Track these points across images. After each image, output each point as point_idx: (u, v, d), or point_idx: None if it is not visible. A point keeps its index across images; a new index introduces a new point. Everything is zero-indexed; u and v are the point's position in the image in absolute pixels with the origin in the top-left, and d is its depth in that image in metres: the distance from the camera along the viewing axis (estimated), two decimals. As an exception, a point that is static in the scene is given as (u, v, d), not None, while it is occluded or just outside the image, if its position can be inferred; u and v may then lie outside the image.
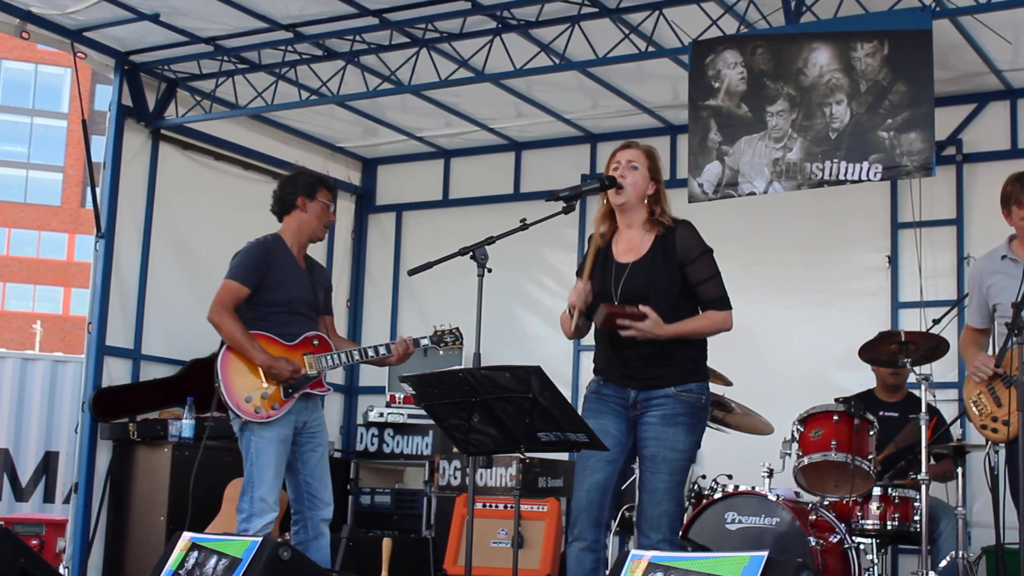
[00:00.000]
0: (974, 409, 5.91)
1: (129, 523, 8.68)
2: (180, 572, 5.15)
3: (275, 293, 6.43)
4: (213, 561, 5.05)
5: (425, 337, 6.71)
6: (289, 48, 9.14)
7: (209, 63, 9.49)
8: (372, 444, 9.90)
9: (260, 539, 4.96)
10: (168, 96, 9.72)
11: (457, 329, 6.72)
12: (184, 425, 8.69)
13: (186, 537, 5.31)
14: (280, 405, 6.38)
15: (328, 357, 6.53)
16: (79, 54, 9.13)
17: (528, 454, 5.72)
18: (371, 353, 6.60)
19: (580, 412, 5.25)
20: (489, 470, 8.16)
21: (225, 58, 9.37)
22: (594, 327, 5.38)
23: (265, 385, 6.35)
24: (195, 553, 5.19)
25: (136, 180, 9.57)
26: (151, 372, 9.49)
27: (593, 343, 5.54)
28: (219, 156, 10.25)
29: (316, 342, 6.52)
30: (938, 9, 7.47)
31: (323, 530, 6.53)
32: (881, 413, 7.59)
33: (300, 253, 6.63)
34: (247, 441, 6.36)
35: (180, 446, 8.56)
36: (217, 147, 10.20)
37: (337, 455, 10.19)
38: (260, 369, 6.34)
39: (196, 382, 9.36)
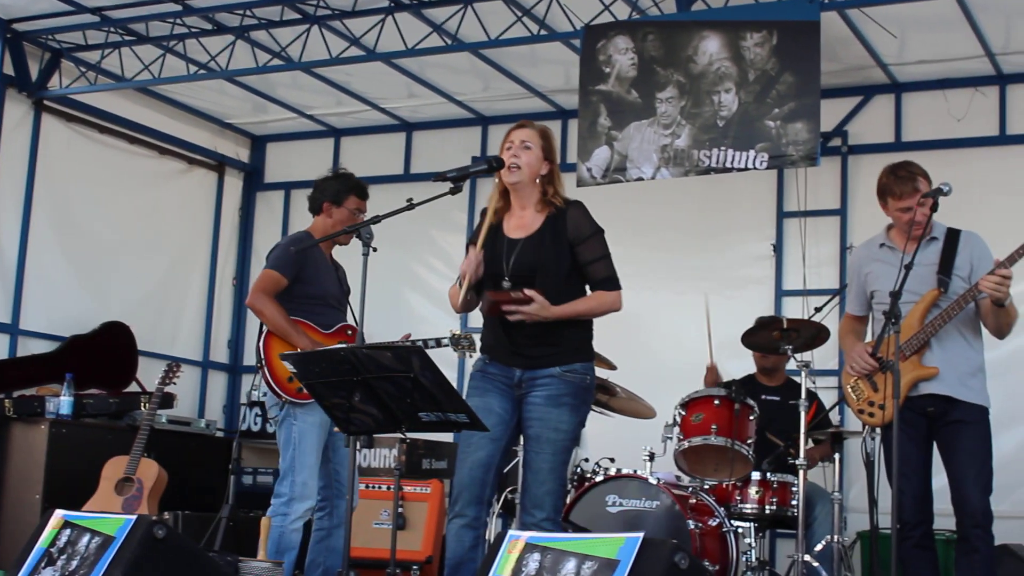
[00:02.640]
0: (852, 395, 6.00)
1: (3, 501, 8.48)
2: (51, 550, 5.05)
3: (311, 286, 6.47)
4: (86, 539, 4.96)
5: (445, 338, 6.88)
6: (177, 21, 8.99)
7: (95, 34, 9.31)
8: (255, 423, 9.81)
9: (135, 517, 4.88)
10: (52, 66, 9.52)
11: (471, 335, 6.89)
12: (62, 402, 8.53)
13: (58, 515, 5.20)
14: None
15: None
16: (-41, 20, 8.91)
17: (412, 435, 5.70)
18: None
19: (466, 391, 5.26)
20: (372, 451, 8.13)
21: (111, 29, 9.20)
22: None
23: None
24: (67, 531, 5.09)
25: (17, 152, 9.37)
26: (30, 348, 9.32)
27: (480, 325, 5.53)
28: (104, 129, 10.07)
29: (349, 331, 6.57)
30: (826, 1, 7.56)
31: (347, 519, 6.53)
32: (763, 397, 7.68)
33: (328, 251, 6.68)
34: (288, 427, 6.31)
35: (57, 423, 8.39)
36: (102, 120, 10.02)
37: (219, 434, 10.07)
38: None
39: (76, 359, 9.21)
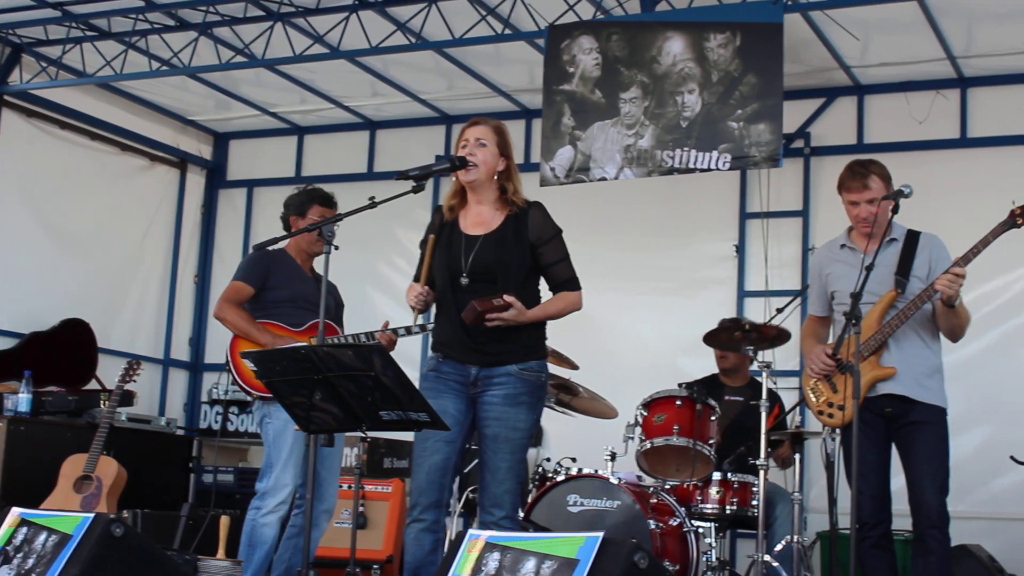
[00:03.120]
0: (811, 396, 6.03)
1: (-40, 499, 8.43)
2: (8, 548, 5.01)
3: (281, 291, 6.55)
4: (43, 537, 4.92)
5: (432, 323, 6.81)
6: (140, 16, 8.93)
7: (56, 29, 9.24)
8: (216, 422, 9.77)
9: (92, 515, 4.85)
10: (12, 61, 9.45)
11: None
12: (21, 399, 8.47)
13: (15, 512, 5.16)
14: None
15: (335, 340, 6.55)
16: (-83, 14, 8.83)
17: (373, 434, 5.67)
18: (364, 339, 6.63)
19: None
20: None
21: (73, 24, 9.13)
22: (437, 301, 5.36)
23: None
24: (24, 529, 5.05)
25: (-23, 147, 9.31)
26: (-12, 344, 9.26)
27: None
28: (65, 125, 10.01)
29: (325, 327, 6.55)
30: (790, 3, 7.60)
31: (320, 521, 6.48)
32: (727, 397, 7.70)
33: (305, 264, 6.72)
34: (265, 425, 6.38)
35: (16, 420, 8.33)
36: (64, 116, 9.96)
37: (180, 433, 10.02)
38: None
39: (35, 355, 9.14)
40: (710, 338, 7.31)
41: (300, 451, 6.28)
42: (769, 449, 6.81)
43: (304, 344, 5.84)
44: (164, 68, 9.39)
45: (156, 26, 9.03)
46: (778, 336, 7.04)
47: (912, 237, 5.94)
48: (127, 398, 8.57)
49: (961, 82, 8.93)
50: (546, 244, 5.34)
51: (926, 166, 8.66)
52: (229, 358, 6.41)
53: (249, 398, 6.46)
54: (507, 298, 5.12)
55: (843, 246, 6.06)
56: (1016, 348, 8.37)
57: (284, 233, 6.42)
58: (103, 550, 4.77)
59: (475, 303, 5.11)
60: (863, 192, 5.86)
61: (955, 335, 5.88)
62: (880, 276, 5.73)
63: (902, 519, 5.90)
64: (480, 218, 5.37)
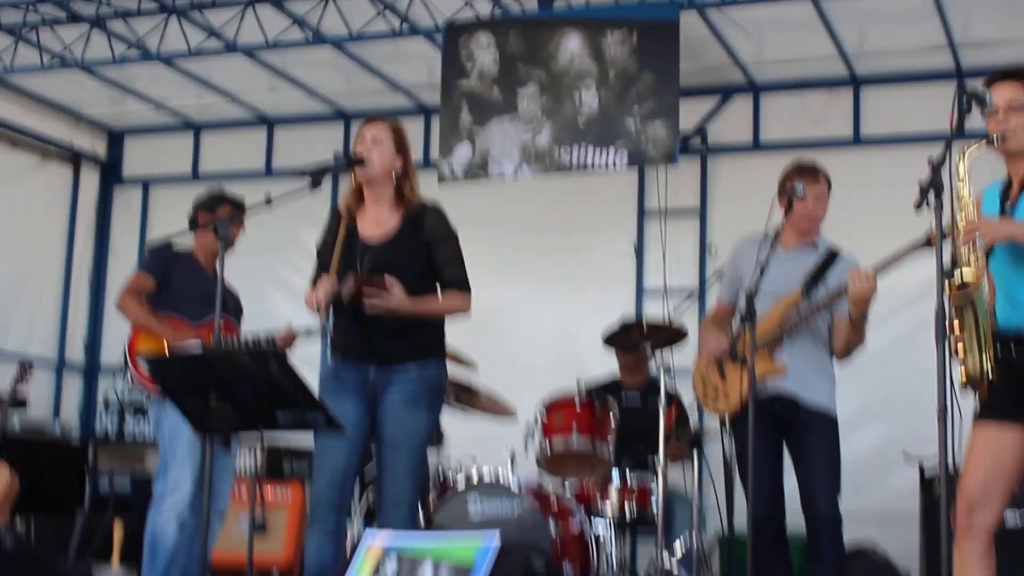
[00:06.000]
0: (700, 383, 6.08)
1: None
2: None
3: (183, 285, 6.59)
4: (-72, 549, 4.80)
5: None
6: (31, 8, 8.75)
7: (-59, 21, 9.03)
8: (112, 426, 9.62)
9: (-21, 526, 4.75)
10: None
11: None
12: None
13: (-101, 524, 5.03)
14: None
15: (232, 339, 6.59)
16: None
17: (273, 437, 5.62)
18: (263, 340, 6.62)
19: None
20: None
21: (-41, 17, 8.93)
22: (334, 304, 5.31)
23: None
24: (-91, 540, 4.93)
25: None
26: None
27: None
28: (-48, 122, 9.80)
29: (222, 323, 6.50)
30: (686, 2, 7.63)
31: (212, 522, 6.35)
32: (624, 394, 7.72)
33: (209, 264, 6.71)
34: (160, 422, 6.36)
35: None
36: (-50, 112, 9.75)
37: (75, 437, 9.84)
38: (166, 344, 6.41)
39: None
40: (610, 339, 7.32)
41: (197, 450, 6.21)
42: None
43: (199, 348, 5.77)
44: (55, 62, 9.21)
45: (47, 18, 8.85)
46: (676, 335, 7.06)
47: (832, 255, 5.87)
48: (19, 402, 8.38)
49: (854, 81, 9.03)
50: (439, 244, 5.35)
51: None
52: (126, 354, 6.44)
53: (145, 396, 6.44)
54: (388, 279, 5.10)
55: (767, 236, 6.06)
56: (911, 345, 8.43)
57: (179, 231, 6.38)
58: (-9, 561, 4.67)
59: (352, 274, 5.10)
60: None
61: (846, 352, 5.89)
62: (795, 274, 5.77)
63: (798, 517, 5.93)
64: (377, 220, 5.35)
